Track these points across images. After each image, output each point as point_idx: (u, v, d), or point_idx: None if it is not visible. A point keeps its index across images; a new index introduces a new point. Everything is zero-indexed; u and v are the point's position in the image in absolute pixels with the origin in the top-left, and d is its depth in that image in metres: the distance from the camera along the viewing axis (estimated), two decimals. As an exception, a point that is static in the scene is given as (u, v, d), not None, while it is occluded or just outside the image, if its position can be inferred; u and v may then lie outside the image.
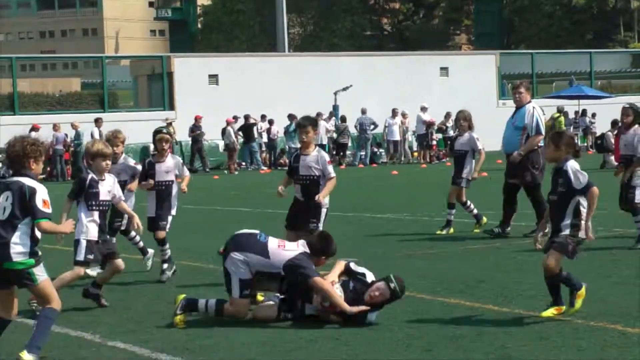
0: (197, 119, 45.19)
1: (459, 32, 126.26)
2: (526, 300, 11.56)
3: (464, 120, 18.57)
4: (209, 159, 46.08)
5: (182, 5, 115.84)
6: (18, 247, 8.76)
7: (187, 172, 14.70)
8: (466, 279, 11.93)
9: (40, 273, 8.87)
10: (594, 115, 52.17)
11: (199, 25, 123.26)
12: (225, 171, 44.64)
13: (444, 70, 55.34)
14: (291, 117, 45.53)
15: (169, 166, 14.17)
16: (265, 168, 45.68)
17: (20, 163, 8.98)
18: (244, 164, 46.69)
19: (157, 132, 14.64)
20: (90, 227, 11.43)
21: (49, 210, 8.89)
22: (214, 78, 50.35)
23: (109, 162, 11.78)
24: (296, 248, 10.83)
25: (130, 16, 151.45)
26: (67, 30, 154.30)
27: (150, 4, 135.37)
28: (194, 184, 32.01)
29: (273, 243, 10.83)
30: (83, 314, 11.63)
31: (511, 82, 63.15)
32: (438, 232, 18.30)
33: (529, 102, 17.57)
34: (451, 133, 46.96)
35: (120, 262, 11.77)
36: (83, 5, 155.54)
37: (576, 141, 13.70)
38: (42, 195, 8.85)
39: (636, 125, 15.72)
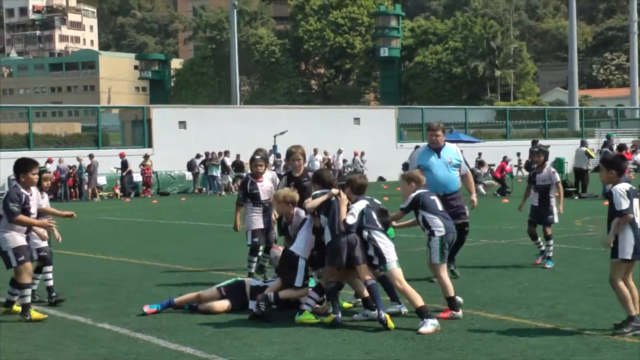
0: (122, 155, 44.11)
1: (368, 92, 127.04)
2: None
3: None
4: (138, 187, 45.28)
5: (159, 69, 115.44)
6: None
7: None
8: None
9: None
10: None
11: (172, 84, 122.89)
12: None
13: (357, 120, 55.52)
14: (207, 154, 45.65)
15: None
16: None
17: None
18: (204, 189, 46.48)
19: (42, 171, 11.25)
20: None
21: None
22: (182, 124, 50.11)
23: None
24: None
25: (119, 76, 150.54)
26: (72, 86, 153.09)
27: (135, 67, 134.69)
28: (164, 203, 31.68)
29: None
30: (76, 301, 11.51)
31: (407, 130, 63.91)
32: None
33: (445, 143, 12.90)
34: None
35: None
36: (84, 68, 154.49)
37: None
38: None
39: (547, 164, 14.64)
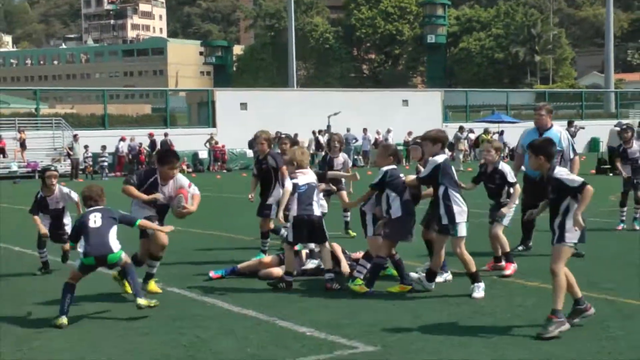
0: (151, 135, 44.60)
1: (416, 75, 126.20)
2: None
3: (338, 142, 14.53)
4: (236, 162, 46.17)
5: (222, 55, 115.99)
6: None
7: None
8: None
9: None
10: (502, 132, 51.77)
11: (234, 68, 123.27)
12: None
13: (405, 102, 55.31)
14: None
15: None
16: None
17: None
18: (264, 166, 46.73)
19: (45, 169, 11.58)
20: None
21: None
22: (244, 105, 50.33)
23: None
24: None
25: (186, 61, 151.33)
26: (142, 71, 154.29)
27: (200, 53, 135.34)
28: (227, 179, 31.56)
29: None
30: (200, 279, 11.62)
31: (452, 111, 63.42)
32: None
33: (552, 125, 12.08)
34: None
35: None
36: (154, 54, 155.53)
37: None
38: None
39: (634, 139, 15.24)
